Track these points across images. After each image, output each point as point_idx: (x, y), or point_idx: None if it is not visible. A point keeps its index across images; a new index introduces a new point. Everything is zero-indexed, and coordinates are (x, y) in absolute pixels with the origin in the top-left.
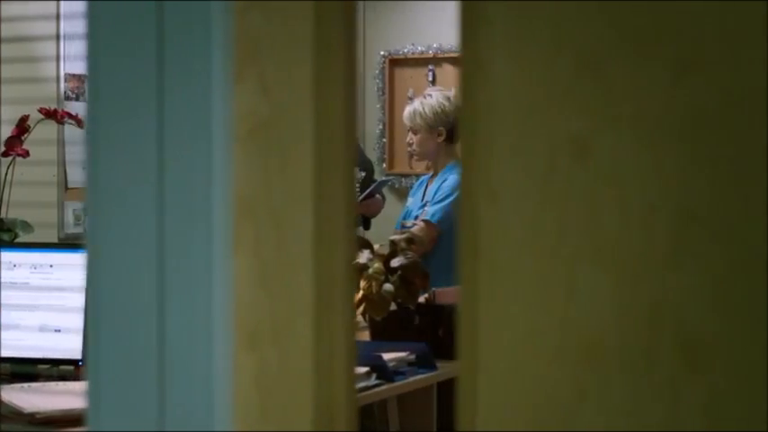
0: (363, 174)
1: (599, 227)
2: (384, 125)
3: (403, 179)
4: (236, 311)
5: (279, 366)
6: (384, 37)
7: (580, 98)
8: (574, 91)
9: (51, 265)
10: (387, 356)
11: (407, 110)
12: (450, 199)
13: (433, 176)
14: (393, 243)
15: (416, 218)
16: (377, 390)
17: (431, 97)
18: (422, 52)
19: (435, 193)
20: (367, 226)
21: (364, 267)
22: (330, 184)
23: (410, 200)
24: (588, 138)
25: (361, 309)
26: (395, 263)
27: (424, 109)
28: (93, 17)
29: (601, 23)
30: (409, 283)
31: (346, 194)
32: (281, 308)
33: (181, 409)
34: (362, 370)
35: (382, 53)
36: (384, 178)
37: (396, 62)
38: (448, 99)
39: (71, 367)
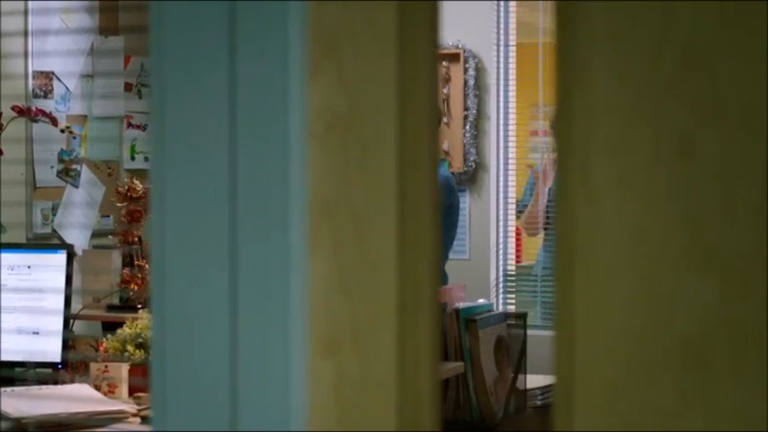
0: None
1: (705, 227)
2: None
3: None
4: (312, 316)
5: (360, 373)
6: None
7: (685, 94)
8: (679, 87)
9: (29, 266)
10: None
11: None
12: None
13: None
14: None
15: None
16: None
17: None
18: None
19: None
20: None
21: None
22: (414, 183)
23: None
24: (694, 135)
25: None
26: None
27: None
28: (158, 9)
29: (708, 18)
30: None
31: (431, 193)
32: (362, 312)
33: (254, 416)
34: None
35: None
36: None
37: None
38: None
39: (48, 370)
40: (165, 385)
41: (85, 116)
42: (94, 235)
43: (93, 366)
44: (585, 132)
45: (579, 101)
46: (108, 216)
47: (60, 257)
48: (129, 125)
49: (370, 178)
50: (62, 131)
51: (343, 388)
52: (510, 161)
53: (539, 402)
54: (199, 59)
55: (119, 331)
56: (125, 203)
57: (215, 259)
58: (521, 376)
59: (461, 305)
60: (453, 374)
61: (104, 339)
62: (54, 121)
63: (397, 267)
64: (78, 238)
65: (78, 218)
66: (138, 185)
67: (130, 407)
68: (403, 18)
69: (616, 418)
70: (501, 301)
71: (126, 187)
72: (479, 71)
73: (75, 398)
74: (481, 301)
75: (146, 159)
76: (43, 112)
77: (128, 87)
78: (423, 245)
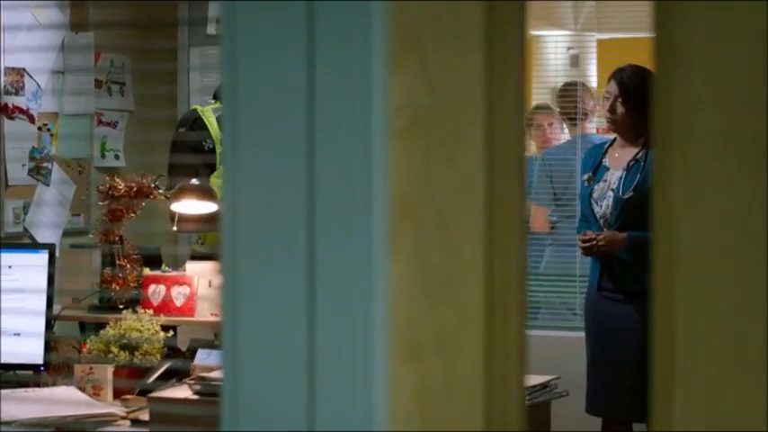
0: None
1: None
2: None
3: None
4: (392, 320)
5: (444, 380)
6: None
7: None
8: None
9: (10, 266)
10: None
11: None
12: None
13: None
14: None
15: None
16: None
17: None
18: None
19: None
20: None
21: None
22: (503, 182)
23: None
24: None
25: None
26: None
27: None
28: (230, 3)
29: None
30: None
31: (519, 192)
32: (447, 316)
33: (332, 422)
34: None
35: None
36: None
37: None
38: None
39: (29, 372)
40: (238, 388)
41: (56, 113)
42: (65, 234)
43: (78, 368)
44: (686, 128)
45: (679, 96)
46: (78, 215)
47: (42, 257)
48: (100, 122)
49: (455, 176)
50: (39, 129)
51: (426, 394)
52: None
53: (526, 402)
54: (275, 54)
55: (102, 332)
56: (106, 202)
57: (291, 261)
58: None
59: None
60: None
61: (88, 340)
62: (31, 119)
63: (484, 269)
64: (49, 236)
65: (49, 216)
66: (120, 183)
67: (119, 409)
68: (491, 15)
69: (716, 418)
70: None
71: (108, 185)
72: None
73: (64, 401)
74: None
75: (116, 157)
76: (20, 110)
77: (98, 84)
78: (511, 245)
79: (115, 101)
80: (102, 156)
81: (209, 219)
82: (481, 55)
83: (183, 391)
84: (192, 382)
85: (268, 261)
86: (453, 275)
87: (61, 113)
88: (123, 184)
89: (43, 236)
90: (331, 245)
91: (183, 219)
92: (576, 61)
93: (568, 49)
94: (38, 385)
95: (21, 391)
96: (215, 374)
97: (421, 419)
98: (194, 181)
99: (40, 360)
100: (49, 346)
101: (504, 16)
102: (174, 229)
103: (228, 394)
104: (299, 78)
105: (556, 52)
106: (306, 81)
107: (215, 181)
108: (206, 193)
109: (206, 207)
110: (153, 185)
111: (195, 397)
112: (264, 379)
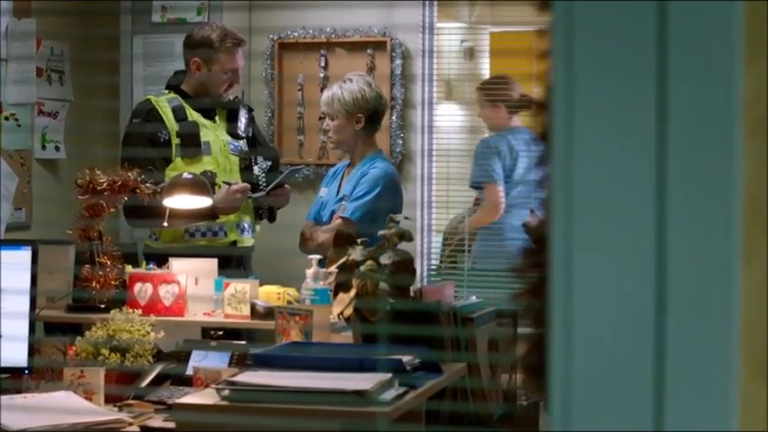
0: (269, 163)
1: None
2: (273, 112)
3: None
4: (744, 333)
5: None
6: (273, 19)
7: None
8: None
9: None
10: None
11: (325, 94)
12: (371, 195)
13: (350, 167)
14: (384, 238)
15: (333, 213)
16: (407, 399)
17: (351, 82)
18: (313, 36)
19: (354, 188)
20: (273, 218)
21: (356, 264)
22: None
23: (324, 190)
24: None
25: (349, 310)
26: (385, 259)
27: (342, 94)
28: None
29: None
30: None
31: None
32: None
33: None
34: (385, 377)
35: (271, 36)
36: (294, 167)
37: (285, 46)
38: (369, 85)
39: (7, 375)
40: (571, 394)
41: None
42: (8, 229)
43: (68, 372)
44: None
45: None
46: (20, 209)
47: (25, 254)
48: (40, 112)
49: None
50: (6, 119)
51: None
52: (434, 154)
53: (524, 402)
54: (618, 45)
55: (88, 333)
56: (86, 196)
57: (639, 268)
58: (511, 376)
59: (459, 303)
60: (458, 377)
61: (75, 342)
62: None
63: None
64: None
65: None
66: (101, 177)
67: (126, 415)
68: None
69: None
70: None
71: (88, 179)
72: (406, 59)
73: (67, 408)
74: (473, 298)
75: (56, 149)
76: None
77: (39, 72)
78: None
79: (55, 90)
80: (43, 147)
81: (199, 214)
82: None
83: (208, 397)
84: (221, 386)
85: (611, 267)
86: None
87: (5, 103)
88: (105, 178)
89: None
90: (684, 250)
91: (175, 214)
92: (470, 53)
93: (462, 41)
94: (20, 391)
95: (19, 398)
96: (243, 378)
97: None
98: (186, 174)
99: (23, 364)
100: (32, 350)
101: None
102: (165, 224)
103: (558, 404)
104: (647, 69)
105: (450, 43)
106: (656, 71)
107: (170, 174)
108: (199, 186)
109: (199, 202)
110: (140, 179)
111: (224, 403)
112: (605, 386)
